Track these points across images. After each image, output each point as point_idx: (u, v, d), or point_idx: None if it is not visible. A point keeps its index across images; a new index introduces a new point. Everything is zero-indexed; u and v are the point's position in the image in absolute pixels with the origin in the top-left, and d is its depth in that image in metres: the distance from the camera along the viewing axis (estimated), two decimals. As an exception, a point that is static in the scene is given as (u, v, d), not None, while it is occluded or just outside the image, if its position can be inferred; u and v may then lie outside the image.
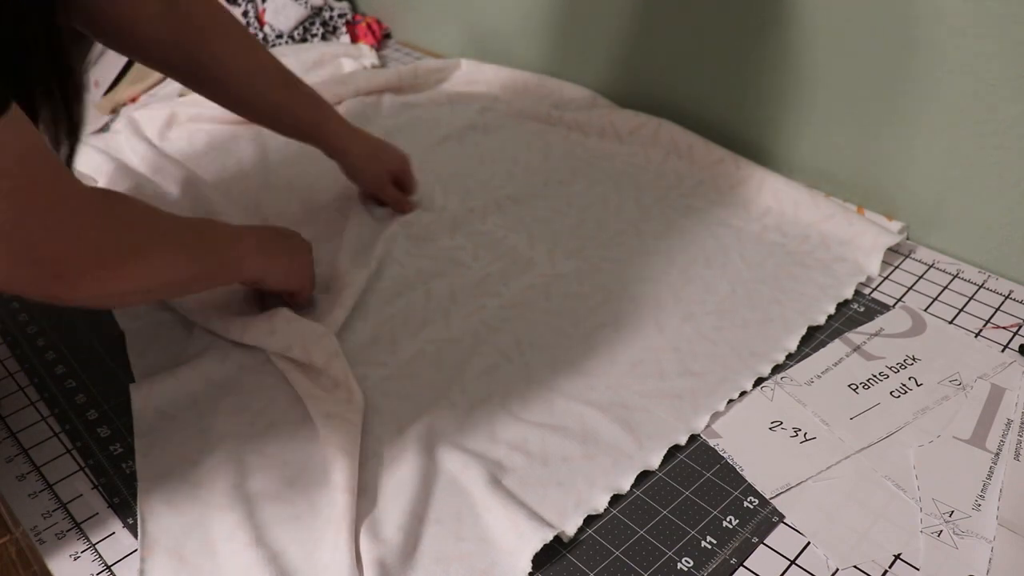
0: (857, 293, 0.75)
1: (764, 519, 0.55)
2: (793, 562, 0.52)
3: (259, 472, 0.56)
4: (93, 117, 1.01)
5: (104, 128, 1.00)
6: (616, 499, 0.56)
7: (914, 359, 0.67)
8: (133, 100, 1.08)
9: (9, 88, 0.41)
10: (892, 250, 0.79)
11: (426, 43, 1.27)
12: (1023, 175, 0.73)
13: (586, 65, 1.06)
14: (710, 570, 0.51)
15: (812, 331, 0.70)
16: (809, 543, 0.53)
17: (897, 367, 0.67)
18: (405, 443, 0.58)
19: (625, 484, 0.56)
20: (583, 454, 0.58)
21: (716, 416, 0.62)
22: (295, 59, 1.11)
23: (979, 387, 0.65)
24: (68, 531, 0.53)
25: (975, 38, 0.70)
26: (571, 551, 0.52)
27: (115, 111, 1.04)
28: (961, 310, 0.73)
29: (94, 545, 0.53)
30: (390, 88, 1.10)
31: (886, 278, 0.77)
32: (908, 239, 0.83)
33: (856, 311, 0.73)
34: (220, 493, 0.54)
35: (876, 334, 0.70)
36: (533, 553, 0.50)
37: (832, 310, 0.72)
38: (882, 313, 0.73)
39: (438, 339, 0.68)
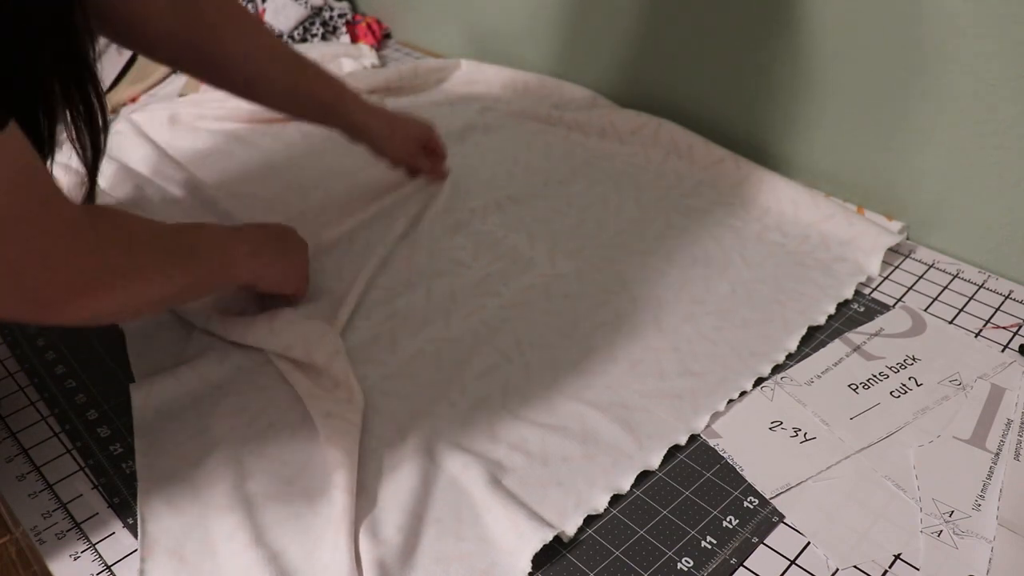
0: (857, 293, 0.75)
1: (764, 519, 0.55)
2: (793, 562, 0.52)
3: (259, 472, 0.56)
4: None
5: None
6: (616, 499, 0.56)
7: (914, 359, 0.67)
8: (133, 100, 1.08)
9: (9, 105, 0.40)
10: (892, 250, 0.79)
11: (426, 43, 1.27)
12: (1023, 175, 0.73)
13: (587, 66, 1.07)
14: (710, 570, 0.51)
15: (812, 331, 0.70)
16: (809, 543, 0.53)
17: (897, 367, 0.67)
18: (405, 443, 0.58)
19: (625, 484, 0.56)
20: (583, 454, 0.58)
21: (716, 416, 0.62)
22: (295, 59, 1.11)
23: (979, 387, 0.65)
24: (68, 531, 0.53)
25: (975, 38, 0.70)
26: (571, 551, 0.52)
27: (115, 111, 1.04)
28: (961, 310, 0.73)
29: (94, 545, 0.53)
30: (390, 88, 1.10)
31: (886, 278, 0.77)
32: (908, 239, 0.83)
33: (856, 311, 0.73)
34: (220, 493, 0.54)
35: (876, 334, 0.70)
36: (533, 553, 0.50)
37: (832, 310, 0.72)
38: (882, 313, 0.73)
39: (438, 339, 0.68)
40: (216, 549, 0.51)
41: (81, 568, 0.51)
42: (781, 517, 0.55)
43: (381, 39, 1.27)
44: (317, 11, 1.25)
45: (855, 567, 0.51)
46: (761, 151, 0.91)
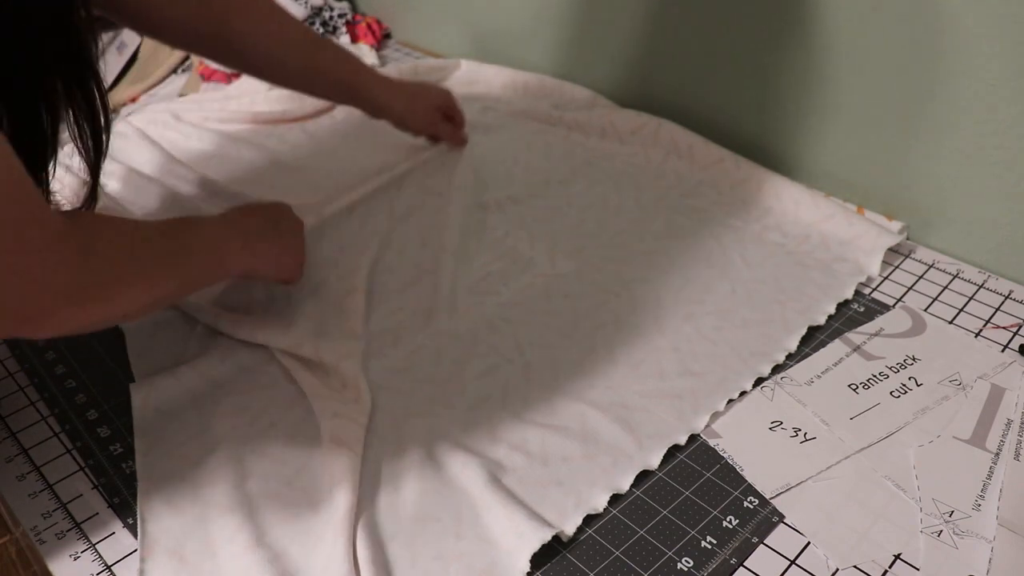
0: (857, 293, 0.75)
1: (764, 519, 0.55)
2: (793, 562, 0.52)
3: (259, 472, 0.56)
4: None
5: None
6: (616, 499, 0.56)
7: (914, 359, 0.67)
8: (133, 100, 1.08)
9: (8, 105, 0.39)
10: (892, 250, 0.79)
11: (426, 43, 1.27)
12: (1023, 175, 0.73)
13: (588, 66, 1.06)
14: (710, 570, 0.51)
15: (812, 331, 0.70)
16: (809, 543, 0.53)
17: (897, 367, 0.67)
18: (405, 442, 0.58)
19: (625, 484, 0.56)
20: (583, 454, 0.58)
21: (716, 416, 0.62)
22: (295, 59, 1.11)
23: (979, 387, 0.65)
24: (68, 531, 0.53)
25: (975, 38, 0.70)
26: (571, 551, 0.52)
27: (115, 111, 1.04)
28: (961, 310, 0.73)
29: (94, 545, 0.53)
30: (390, 88, 1.10)
31: (886, 278, 0.77)
32: (908, 239, 0.83)
33: (856, 311, 0.73)
34: (220, 493, 0.54)
35: (876, 334, 0.70)
36: (532, 553, 0.50)
37: (832, 310, 0.72)
38: (882, 313, 0.73)
39: (438, 338, 0.68)
40: (216, 549, 0.51)
41: (81, 568, 0.51)
42: (781, 517, 0.55)
43: (381, 39, 1.27)
44: (317, 11, 1.25)
45: (855, 567, 0.51)
46: (761, 151, 0.91)
